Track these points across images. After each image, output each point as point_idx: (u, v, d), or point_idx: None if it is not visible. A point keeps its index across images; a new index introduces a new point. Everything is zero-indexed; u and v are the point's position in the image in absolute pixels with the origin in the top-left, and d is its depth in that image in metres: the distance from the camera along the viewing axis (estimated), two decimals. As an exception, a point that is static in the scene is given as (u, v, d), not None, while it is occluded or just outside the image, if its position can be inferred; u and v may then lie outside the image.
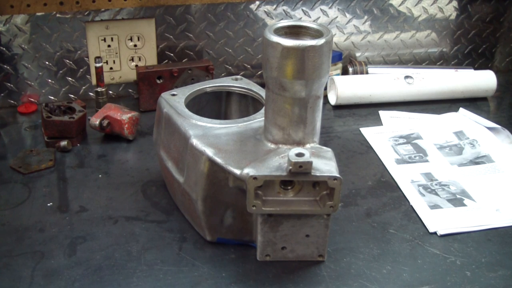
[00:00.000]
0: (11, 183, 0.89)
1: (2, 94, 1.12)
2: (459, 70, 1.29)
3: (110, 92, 1.17)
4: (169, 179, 0.80)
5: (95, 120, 0.98)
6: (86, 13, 1.10)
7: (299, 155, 0.63)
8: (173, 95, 0.82)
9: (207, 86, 0.86)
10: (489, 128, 1.04)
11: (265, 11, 1.20)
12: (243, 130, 0.74)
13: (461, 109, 1.14)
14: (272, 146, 0.70)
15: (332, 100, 1.17)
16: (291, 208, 0.67)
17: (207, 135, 0.72)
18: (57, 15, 1.09)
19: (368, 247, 0.75)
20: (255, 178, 0.64)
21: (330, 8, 1.24)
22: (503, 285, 0.70)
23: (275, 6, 1.20)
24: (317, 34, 0.67)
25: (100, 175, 0.91)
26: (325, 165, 0.65)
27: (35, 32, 1.09)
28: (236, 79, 0.89)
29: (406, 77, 1.18)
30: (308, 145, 0.70)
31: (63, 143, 0.97)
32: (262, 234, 0.69)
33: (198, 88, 0.85)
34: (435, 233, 0.78)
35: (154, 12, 1.14)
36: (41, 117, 1.00)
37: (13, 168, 0.92)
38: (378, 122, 1.12)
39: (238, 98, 0.89)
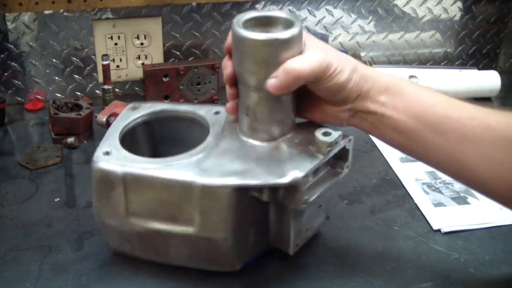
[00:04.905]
0: (19, 179, 0.89)
1: (9, 92, 1.13)
2: (463, 70, 1.30)
3: (117, 90, 1.18)
4: (155, 242, 0.68)
5: (102, 117, 0.99)
6: (94, 11, 1.11)
7: (327, 134, 0.64)
8: (107, 153, 0.67)
9: (121, 128, 0.72)
10: (493, 128, 1.05)
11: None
12: (227, 146, 0.67)
13: (465, 109, 1.14)
14: (272, 143, 0.67)
15: (337, 99, 1.18)
16: (321, 187, 0.66)
17: (206, 169, 0.63)
18: (65, 13, 1.10)
19: (373, 243, 0.76)
20: (305, 176, 0.62)
21: (335, 8, 1.24)
22: (506, 282, 0.70)
23: (280, 5, 1.21)
24: (282, 19, 0.64)
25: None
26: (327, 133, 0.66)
27: (42, 30, 1.10)
28: (135, 108, 0.77)
29: (411, 76, 1.18)
30: (294, 124, 0.70)
31: (70, 139, 0.98)
32: (293, 228, 0.68)
33: (117, 134, 0.71)
34: (439, 230, 0.79)
35: (161, 10, 1.15)
36: (48, 114, 1.01)
37: (21, 164, 0.93)
38: (382, 121, 1.12)
39: (143, 128, 0.76)
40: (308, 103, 0.67)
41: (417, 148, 0.63)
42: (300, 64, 0.59)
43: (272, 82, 0.60)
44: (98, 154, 0.67)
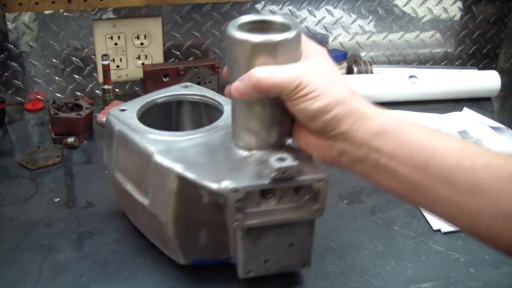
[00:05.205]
0: (19, 179, 0.89)
1: (9, 92, 1.13)
2: (463, 70, 1.30)
3: (117, 90, 1.18)
4: (130, 203, 0.72)
5: (102, 117, 0.99)
6: (94, 11, 1.11)
7: (281, 159, 0.58)
8: (123, 110, 0.74)
9: (157, 97, 0.79)
10: (493, 128, 1.05)
11: (270, 11, 1.21)
12: (209, 140, 0.67)
13: (465, 108, 1.14)
14: (245, 153, 0.63)
15: (337, 99, 1.18)
16: (275, 217, 0.61)
17: (171, 150, 0.65)
18: (65, 13, 1.10)
19: (373, 243, 0.76)
20: (235, 190, 0.58)
21: (335, 8, 1.24)
22: (506, 282, 0.70)
23: (280, 5, 1.21)
24: (284, 27, 0.60)
25: (106, 171, 0.91)
26: (306, 167, 0.60)
27: (42, 30, 1.10)
28: (186, 86, 0.82)
29: (411, 76, 1.19)
30: (283, 147, 0.64)
31: (70, 139, 0.98)
32: (244, 250, 0.63)
33: (148, 100, 0.78)
34: (439, 230, 0.79)
35: (161, 10, 1.15)
36: (48, 114, 1.01)
37: (21, 164, 0.93)
38: (382, 121, 1.12)
39: (189, 107, 0.82)
40: (297, 123, 0.60)
41: (419, 198, 0.54)
42: (263, 73, 0.55)
43: (234, 84, 0.57)
44: (116, 108, 0.75)
